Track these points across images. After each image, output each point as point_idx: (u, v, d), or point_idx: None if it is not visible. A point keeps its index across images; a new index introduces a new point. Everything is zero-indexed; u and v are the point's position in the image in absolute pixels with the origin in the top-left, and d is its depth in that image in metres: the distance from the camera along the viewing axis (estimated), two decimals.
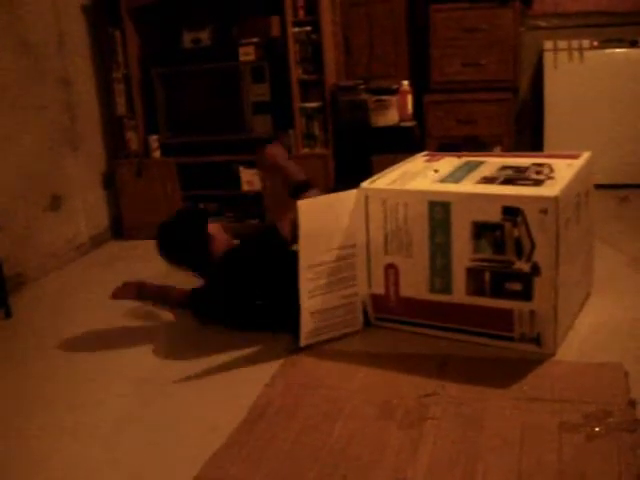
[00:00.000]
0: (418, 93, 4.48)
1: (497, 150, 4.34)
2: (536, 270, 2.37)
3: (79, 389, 2.57)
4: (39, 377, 2.69)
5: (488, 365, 2.43)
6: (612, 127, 4.41)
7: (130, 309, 3.20)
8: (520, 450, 1.93)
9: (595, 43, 4.42)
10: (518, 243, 2.39)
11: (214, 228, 3.05)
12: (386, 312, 2.74)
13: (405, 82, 4.32)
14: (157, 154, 4.38)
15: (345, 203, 2.65)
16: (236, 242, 3.11)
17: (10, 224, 3.62)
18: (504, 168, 2.69)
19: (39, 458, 2.17)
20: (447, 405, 2.18)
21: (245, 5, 4.27)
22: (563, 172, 2.54)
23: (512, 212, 2.37)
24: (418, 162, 2.93)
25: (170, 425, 2.26)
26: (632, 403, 2.10)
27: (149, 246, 3.71)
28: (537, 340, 2.44)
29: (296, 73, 4.11)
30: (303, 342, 2.65)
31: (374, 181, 2.70)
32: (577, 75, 4.46)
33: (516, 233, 2.38)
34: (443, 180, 2.63)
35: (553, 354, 2.43)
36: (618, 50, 4.40)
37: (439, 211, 2.50)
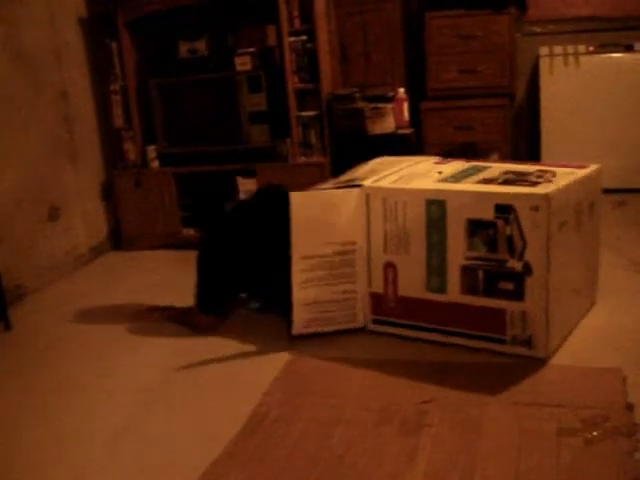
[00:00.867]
0: (415, 100, 4.49)
1: (494, 156, 4.35)
2: (528, 269, 2.39)
3: (79, 399, 2.57)
4: (39, 388, 2.69)
5: (485, 371, 2.44)
6: (609, 132, 4.42)
7: (129, 319, 3.21)
8: (518, 455, 1.93)
9: (591, 48, 4.44)
10: (510, 241, 2.40)
11: None
12: (384, 313, 2.75)
13: (401, 90, 4.33)
14: (155, 164, 4.40)
15: (344, 200, 2.69)
16: None
17: (9, 236, 3.63)
18: (507, 172, 2.70)
19: (40, 468, 2.17)
20: (445, 411, 2.18)
21: (241, 15, 4.29)
22: (564, 178, 2.55)
23: (504, 209, 2.39)
24: (427, 164, 2.95)
25: (169, 434, 2.26)
26: (630, 407, 2.10)
27: (148, 256, 3.76)
28: (529, 343, 2.44)
29: (292, 82, 4.12)
30: (295, 331, 2.73)
31: (377, 180, 2.73)
32: (573, 80, 4.47)
33: (508, 231, 2.40)
34: (445, 180, 2.66)
35: (544, 358, 2.43)
36: (614, 55, 4.41)
37: (435, 209, 2.53)
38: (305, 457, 2.03)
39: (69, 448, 2.25)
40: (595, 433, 1.99)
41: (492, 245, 2.44)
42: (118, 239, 4.51)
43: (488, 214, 2.42)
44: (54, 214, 4.00)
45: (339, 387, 2.42)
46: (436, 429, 2.10)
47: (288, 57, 4.09)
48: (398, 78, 4.57)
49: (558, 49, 4.47)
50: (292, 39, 4.11)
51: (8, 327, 3.29)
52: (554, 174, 2.61)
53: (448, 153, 4.16)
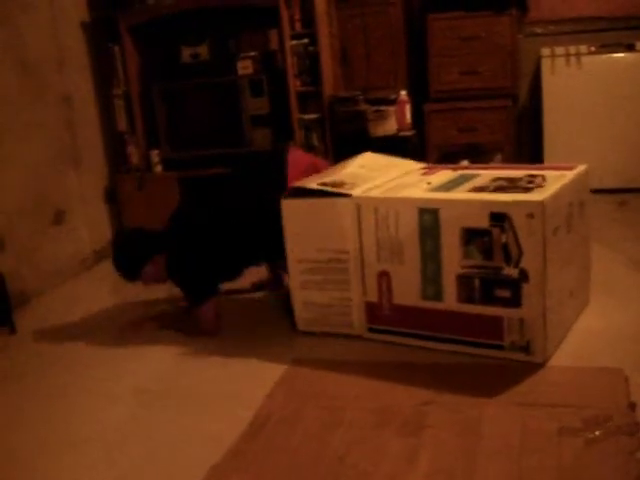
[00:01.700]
0: (417, 102, 4.50)
1: (498, 157, 4.36)
2: (524, 276, 2.38)
3: (82, 403, 2.58)
4: (43, 392, 2.70)
5: (485, 372, 2.44)
6: (611, 131, 4.42)
7: (132, 323, 3.22)
8: (519, 455, 1.93)
9: (592, 48, 4.43)
10: (506, 249, 2.39)
11: None
12: (380, 321, 2.74)
13: (403, 92, 4.34)
14: (158, 168, 4.42)
15: (333, 209, 2.69)
16: None
17: (14, 240, 3.65)
18: (497, 179, 2.70)
19: (42, 472, 2.18)
20: (445, 412, 2.18)
21: (242, 19, 4.31)
22: (555, 182, 2.54)
23: (499, 218, 2.38)
24: (414, 175, 2.94)
25: (171, 437, 2.26)
26: (632, 406, 2.09)
27: None
28: (527, 348, 2.43)
29: (294, 85, 4.14)
30: (301, 327, 2.87)
31: (367, 190, 2.72)
32: (575, 80, 4.47)
33: (504, 239, 2.38)
34: (435, 190, 2.65)
35: (542, 363, 2.42)
36: (615, 55, 4.41)
37: (428, 218, 2.52)
38: (307, 459, 2.04)
39: (72, 451, 2.26)
40: (597, 433, 1.99)
41: (487, 253, 2.43)
42: None
43: (483, 222, 2.41)
44: (58, 218, 4.02)
45: (339, 389, 2.43)
46: (437, 430, 2.10)
47: (290, 61, 4.11)
48: (400, 80, 4.58)
49: (560, 50, 4.47)
50: (294, 43, 4.13)
51: (13, 331, 3.31)
52: (544, 178, 2.60)
53: (452, 155, 4.18)
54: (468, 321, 2.52)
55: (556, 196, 2.41)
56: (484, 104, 4.48)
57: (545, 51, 4.51)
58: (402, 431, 2.11)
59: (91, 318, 3.41)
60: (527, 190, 2.48)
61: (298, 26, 4.14)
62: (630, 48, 4.37)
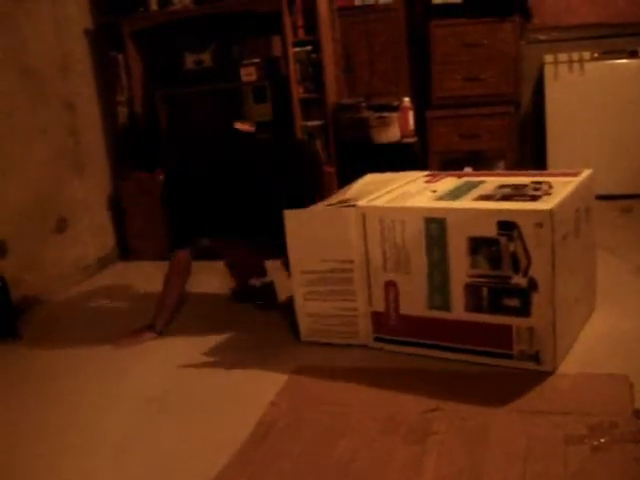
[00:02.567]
0: (420, 109, 4.50)
1: (501, 164, 4.36)
2: (533, 285, 2.36)
3: (86, 409, 2.57)
4: (47, 399, 2.70)
5: (490, 380, 2.43)
6: (614, 137, 4.42)
7: (136, 330, 3.22)
8: (525, 463, 1.92)
9: (595, 55, 4.44)
10: (514, 258, 2.37)
11: None
12: (386, 331, 2.72)
13: (406, 99, 4.35)
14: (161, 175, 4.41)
15: (338, 219, 2.69)
16: None
17: (17, 247, 3.65)
18: (503, 187, 2.69)
19: (45, 477, 2.18)
20: (450, 420, 2.18)
21: (245, 26, 4.31)
22: (561, 188, 2.53)
23: (507, 227, 2.36)
24: (418, 183, 2.93)
25: (175, 444, 2.26)
26: (637, 413, 2.08)
27: (155, 267, 3.75)
28: (536, 358, 2.42)
29: (297, 92, 4.14)
30: (303, 338, 2.86)
31: (372, 200, 2.72)
32: (578, 87, 4.47)
33: (512, 248, 2.37)
34: (441, 198, 2.64)
35: (552, 372, 2.41)
36: (618, 61, 4.42)
37: (435, 227, 2.50)
38: (311, 466, 2.03)
39: (76, 456, 2.26)
40: (602, 440, 1.98)
41: (495, 262, 2.42)
42: (125, 249, 4.52)
43: (490, 231, 2.40)
44: (61, 225, 4.02)
45: (344, 396, 2.42)
46: (442, 437, 2.09)
47: (293, 67, 4.11)
48: (403, 87, 4.58)
49: (563, 56, 4.48)
50: (297, 49, 4.13)
51: (17, 338, 3.31)
52: (550, 185, 2.59)
53: (454, 162, 4.18)
54: (476, 330, 2.51)
55: (564, 204, 2.40)
56: (486, 111, 4.48)
57: (548, 58, 4.52)
58: (408, 439, 2.10)
59: (94, 325, 3.41)
60: (534, 198, 2.47)
61: (301, 33, 4.15)
62: (633, 54, 4.38)
